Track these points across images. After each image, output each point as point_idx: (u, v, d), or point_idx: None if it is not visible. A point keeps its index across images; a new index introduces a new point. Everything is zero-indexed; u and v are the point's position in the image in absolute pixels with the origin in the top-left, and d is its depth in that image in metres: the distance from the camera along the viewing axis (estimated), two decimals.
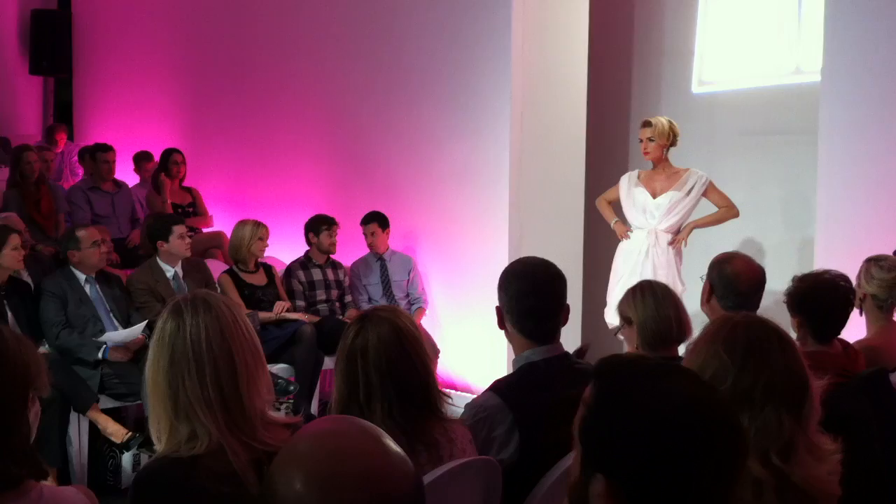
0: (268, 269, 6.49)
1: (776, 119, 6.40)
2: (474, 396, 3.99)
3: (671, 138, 5.69)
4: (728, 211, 5.72)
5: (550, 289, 2.85)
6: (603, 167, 6.90)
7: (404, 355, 2.46)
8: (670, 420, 1.34)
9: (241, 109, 8.34)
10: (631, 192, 5.80)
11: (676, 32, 6.91)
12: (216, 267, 6.71)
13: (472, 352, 6.46)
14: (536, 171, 6.40)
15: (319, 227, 6.64)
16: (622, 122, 7.11)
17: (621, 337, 3.55)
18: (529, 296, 2.81)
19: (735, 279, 3.43)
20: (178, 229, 5.96)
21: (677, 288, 5.39)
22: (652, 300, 3.32)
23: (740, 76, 6.64)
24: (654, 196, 5.73)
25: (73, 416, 5.19)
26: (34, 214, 6.92)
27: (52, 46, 10.24)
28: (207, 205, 8.13)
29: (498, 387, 2.80)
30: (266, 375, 2.22)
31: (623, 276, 5.69)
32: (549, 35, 6.46)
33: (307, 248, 6.72)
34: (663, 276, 5.45)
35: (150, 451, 5.03)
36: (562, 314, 2.86)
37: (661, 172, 5.75)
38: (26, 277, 5.82)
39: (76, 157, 9.21)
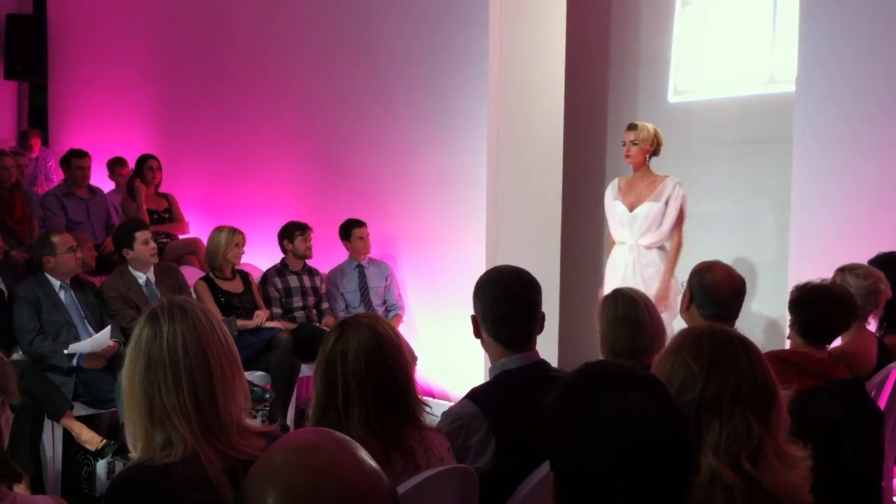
0: (244, 276, 6.46)
1: (751, 128, 6.45)
2: (451, 404, 4.00)
3: (654, 145, 5.66)
4: (677, 243, 5.61)
5: (524, 295, 2.87)
6: (580, 174, 6.94)
7: (384, 362, 2.46)
8: (604, 429, 1.38)
9: (216, 115, 8.31)
10: (612, 205, 5.76)
11: (652, 41, 6.96)
12: (192, 274, 6.68)
13: (448, 359, 6.46)
14: (513, 177, 6.42)
15: (293, 232, 6.63)
16: (599, 130, 7.15)
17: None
18: (503, 303, 2.83)
19: (714, 288, 3.46)
20: (142, 235, 5.90)
21: (674, 299, 5.38)
22: (627, 308, 3.33)
23: (715, 85, 6.69)
24: (632, 208, 5.66)
25: (47, 423, 5.15)
26: (7, 220, 6.86)
27: (26, 51, 10.17)
28: (184, 211, 8.10)
29: (474, 394, 2.80)
30: (243, 383, 2.22)
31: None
32: (525, 42, 6.48)
33: (282, 255, 6.70)
34: (654, 290, 5.42)
35: (125, 458, 5.00)
36: (536, 321, 2.88)
37: (640, 180, 5.69)
38: None
39: (52, 163, 9.15)
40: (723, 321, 3.24)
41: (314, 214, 6.95)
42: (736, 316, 3.47)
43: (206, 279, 6.31)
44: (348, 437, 1.29)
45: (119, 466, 5.15)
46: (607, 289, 5.70)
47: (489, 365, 2.98)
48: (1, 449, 1.91)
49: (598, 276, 6.86)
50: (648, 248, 5.62)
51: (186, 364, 2.11)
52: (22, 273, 6.04)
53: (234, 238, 6.33)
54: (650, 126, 5.67)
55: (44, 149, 9.62)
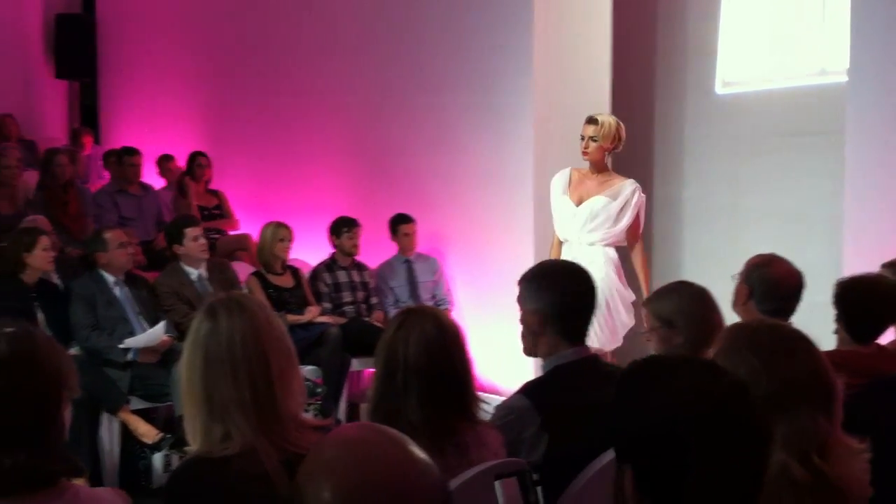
0: (294, 271, 6.53)
1: (801, 120, 6.37)
2: (499, 398, 4.01)
3: (615, 142, 5.27)
4: (642, 255, 5.38)
5: (591, 287, 2.89)
6: (626, 168, 6.89)
7: (445, 352, 2.49)
8: (680, 406, 1.39)
9: (264, 112, 8.39)
10: (559, 198, 5.40)
11: (699, 33, 6.89)
12: (243, 269, 6.76)
13: (497, 353, 6.46)
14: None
15: (340, 229, 6.69)
16: (646, 124, 7.10)
17: (647, 338, 3.51)
18: (575, 295, 2.84)
19: (777, 282, 3.39)
20: (191, 232, 5.97)
21: (622, 301, 5.25)
22: (696, 304, 3.26)
23: (764, 77, 6.61)
24: (579, 203, 5.30)
25: (104, 417, 5.25)
26: (61, 217, 6.98)
27: (76, 50, 10.32)
28: (234, 207, 8.19)
29: (527, 388, 2.81)
30: (299, 378, 2.24)
31: None
32: (570, 36, 6.46)
33: (332, 250, 6.76)
34: (602, 291, 5.08)
35: (181, 451, 5.08)
36: (594, 312, 2.89)
37: (593, 177, 5.34)
38: (56, 279, 5.88)
39: (102, 161, 9.30)
40: (781, 317, 3.21)
41: (362, 210, 6.99)
42: (793, 312, 3.42)
43: (257, 274, 6.39)
44: (397, 432, 1.30)
45: (175, 459, 5.23)
46: None
47: (537, 360, 2.99)
48: (62, 443, 1.96)
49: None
50: (592, 245, 5.27)
51: (245, 358, 2.13)
52: (76, 269, 6.15)
53: (279, 233, 6.40)
54: (611, 119, 5.31)
55: (96, 147, 9.77)
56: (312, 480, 1.23)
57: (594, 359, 2.90)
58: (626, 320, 5.34)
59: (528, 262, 5.91)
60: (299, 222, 6.94)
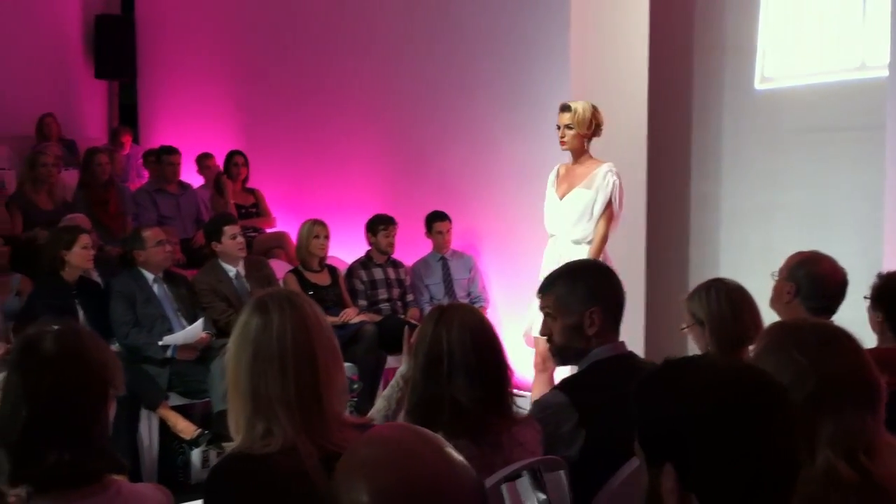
0: (332, 270, 6.56)
1: (841, 115, 6.30)
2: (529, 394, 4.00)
3: (593, 127, 5.09)
4: (600, 245, 5.08)
5: (618, 283, 2.89)
6: (664, 165, 6.86)
7: (488, 342, 2.50)
8: (726, 390, 1.41)
9: (300, 111, 8.43)
10: (548, 193, 5.29)
11: (738, 28, 6.83)
12: (279, 267, 6.80)
13: (532, 351, 6.45)
14: None
15: (377, 226, 6.71)
16: (684, 120, 7.05)
17: (687, 331, 3.50)
18: (618, 292, 2.85)
19: (824, 281, 3.36)
20: (230, 230, 6.03)
21: None
22: (727, 301, 3.26)
23: (804, 72, 6.54)
24: (563, 196, 5.18)
25: (143, 413, 5.31)
26: (101, 215, 7.07)
27: (115, 50, 10.43)
28: (271, 205, 8.25)
29: (564, 385, 2.82)
30: (343, 377, 2.24)
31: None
32: (608, 31, 6.43)
33: (368, 247, 6.79)
34: None
35: (219, 447, 5.14)
36: (624, 309, 2.90)
37: (577, 167, 5.19)
38: (96, 277, 5.96)
39: (141, 160, 9.40)
40: (825, 315, 3.18)
41: (398, 207, 7.01)
42: (836, 310, 3.38)
43: (295, 271, 6.44)
44: (432, 433, 1.30)
45: (213, 455, 5.29)
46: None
47: None
48: (106, 440, 1.99)
49: (683, 268, 6.81)
50: (577, 243, 5.10)
51: (294, 357, 2.13)
52: (116, 268, 6.22)
53: (315, 230, 6.43)
54: (586, 105, 5.09)
55: (135, 146, 9.87)
56: (348, 480, 1.24)
57: (630, 355, 2.89)
58: None
59: None
60: (335, 220, 6.98)
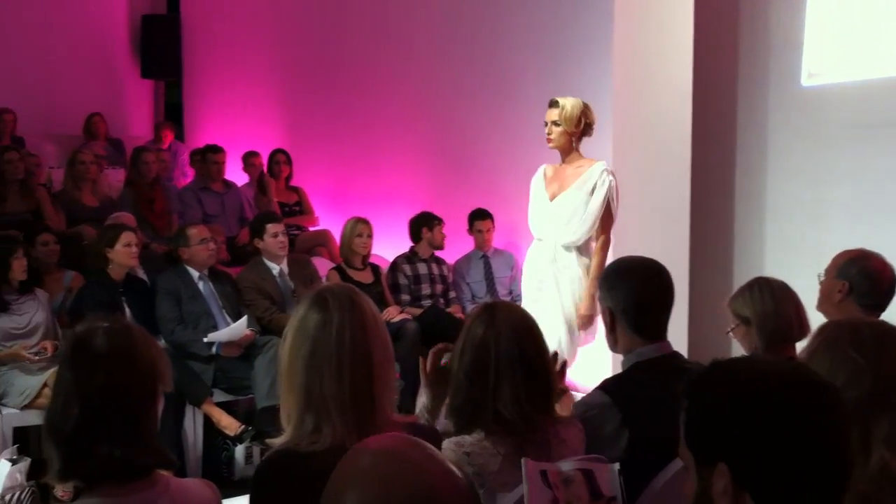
0: (374, 268, 6.59)
1: (889, 112, 6.20)
2: (578, 393, 3.99)
3: (581, 125, 4.81)
4: (603, 253, 4.87)
5: (663, 282, 2.86)
6: (709, 163, 6.80)
7: (535, 349, 2.48)
8: (779, 389, 1.41)
9: (343, 109, 8.47)
10: (534, 194, 5.04)
11: (784, 23, 6.75)
12: (322, 265, 6.84)
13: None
14: (640, 167, 6.33)
15: (432, 221, 6.75)
16: (729, 117, 6.98)
17: (732, 335, 3.48)
18: (644, 290, 2.82)
19: (878, 278, 3.33)
20: (272, 228, 6.07)
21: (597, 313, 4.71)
22: (770, 298, 3.25)
23: (852, 68, 6.45)
24: (553, 198, 4.91)
25: (188, 409, 5.37)
26: (147, 214, 7.15)
27: (161, 50, 10.55)
28: (313, 203, 8.30)
29: (606, 385, 2.80)
30: (394, 377, 2.24)
31: (527, 297, 4.99)
32: (651, 28, 6.38)
33: (411, 244, 6.81)
34: (569, 298, 4.84)
35: (263, 444, 5.18)
36: (671, 309, 2.86)
37: (567, 167, 4.92)
38: (142, 275, 6.03)
39: (186, 157, 9.49)
40: (876, 313, 3.15)
41: (439, 205, 7.02)
42: (886, 308, 3.34)
43: (337, 269, 6.48)
44: (425, 443, 1.29)
45: (256, 452, 5.33)
46: (522, 290, 5.00)
47: (615, 356, 2.97)
48: (156, 436, 2.01)
49: (727, 267, 6.74)
50: (567, 247, 4.88)
51: (351, 356, 2.12)
52: (162, 265, 6.30)
53: (357, 228, 6.46)
54: (575, 103, 4.83)
55: (176, 142, 9.97)
56: (338, 492, 1.23)
57: (675, 355, 2.87)
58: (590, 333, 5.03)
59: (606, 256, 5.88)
60: (378, 218, 7.00)
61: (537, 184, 5.03)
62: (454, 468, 1.26)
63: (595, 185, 4.80)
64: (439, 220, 6.78)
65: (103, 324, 1.97)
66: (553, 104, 4.84)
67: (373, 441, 1.31)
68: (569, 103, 4.80)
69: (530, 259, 5.06)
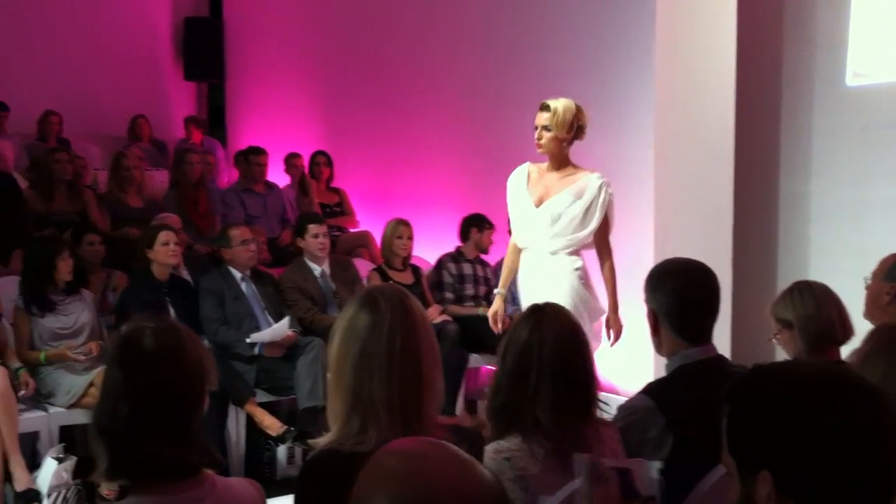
0: (415, 269, 6.61)
1: None
2: (619, 397, 3.97)
3: (573, 130, 4.59)
4: (610, 264, 4.69)
5: (709, 284, 2.83)
6: (753, 163, 6.74)
7: (578, 352, 2.47)
8: (823, 394, 1.38)
9: (384, 111, 8.49)
10: (516, 197, 4.73)
11: (828, 22, 6.68)
12: (363, 266, 6.87)
13: (616, 352, 6.40)
14: (682, 168, 6.29)
15: (483, 224, 6.75)
16: (772, 117, 6.91)
17: (775, 342, 3.45)
18: (689, 292, 2.78)
19: None
20: (314, 229, 6.11)
21: (591, 316, 4.63)
22: (812, 301, 3.22)
23: None
24: (539, 202, 4.64)
25: (231, 409, 5.41)
26: (191, 215, 7.21)
27: (204, 53, 10.64)
28: (355, 204, 8.33)
29: (650, 389, 2.78)
30: (441, 379, 2.24)
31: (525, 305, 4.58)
32: (694, 28, 6.33)
33: (458, 244, 6.79)
34: (566, 305, 4.55)
35: (304, 444, 5.21)
36: (717, 312, 2.84)
37: (553, 171, 4.67)
38: (186, 275, 6.09)
39: (220, 154, 9.58)
40: None
41: (480, 207, 7.01)
42: None
43: (378, 270, 6.50)
44: (452, 446, 1.29)
45: (298, 452, 5.36)
46: (523, 304, 4.62)
47: (658, 358, 2.95)
48: (202, 435, 2.02)
49: (771, 270, 6.68)
50: (554, 253, 4.60)
51: (402, 359, 2.11)
52: (205, 266, 6.35)
53: (398, 230, 6.48)
54: (568, 105, 4.59)
55: (208, 139, 10.05)
56: (368, 492, 1.22)
57: (720, 359, 2.84)
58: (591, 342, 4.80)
59: (647, 259, 5.85)
60: (418, 219, 7.01)
61: (519, 185, 4.73)
62: (484, 470, 1.26)
63: (595, 199, 4.57)
64: (490, 225, 6.78)
65: (150, 323, 1.99)
66: (544, 108, 4.63)
67: (399, 444, 1.31)
68: (561, 106, 4.59)
69: (524, 271, 4.75)
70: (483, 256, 6.89)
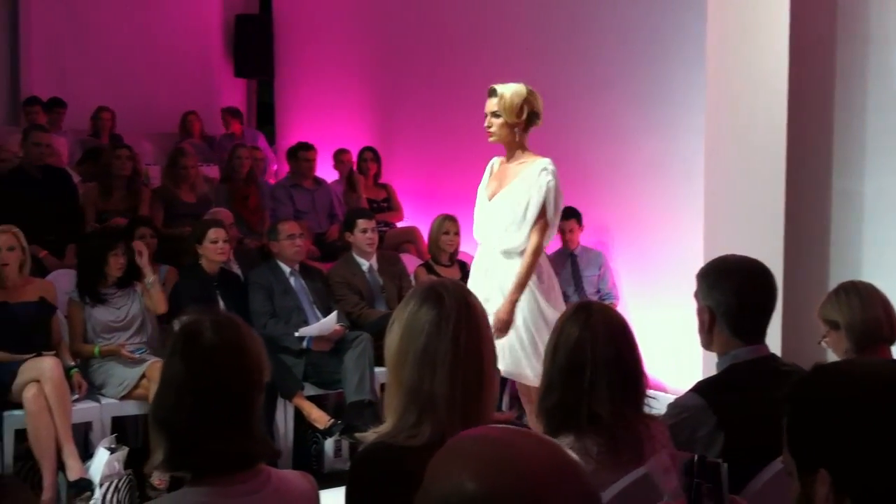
0: (462, 265, 6.61)
1: None
2: (666, 395, 3.94)
3: (524, 115, 4.31)
4: (532, 259, 4.25)
5: (769, 284, 2.80)
6: (805, 161, 6.65)
7: (629, 348, 2.46)
8: (884, 393, 1.38)
9: (431, 106, 8.50)
10: (480, 191, 4.51)
11: (883, 17, 6.57)
12: (410, 261, 6.89)
13: (663, 350, 6.37)
14: (733, 164, 6.23)
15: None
16: (825, 114, 6.82)
17: (825, 345, 3.43)
18: (750, 292, 2.75)
19: None
20: (362, 223, 6.15)
21: (548, 325, 4.10)
22: (857, 300, 3.21)
23: None
24: (491, 197, 4.40)
25: (280, 402, 5.46)
26: (242, 210, 7.28)
27: (254, 50, 10.74)
28: (402, 200, 8.36)
29: (700, 387, 2.76)
30: (498, 375, 2.22)
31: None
32: (746, 23, 6.27)
33: None
34: (524, 316, 4.25)
35: (352, 437, 5.24)
36: (773, 312, 2.81)
37: (511, 163, 4.41)
38: (237, 269, 6.16)
39: (262, 144, 9.66)
40: None
41: None
42: None
43: (425, 265, 6.52)
44: (537, 432, 1.27)
45: (345, 445, 5.40)
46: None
47: (707, 356, 2.93)
48: (259, 428, 2.04)
49: (823, 269, 6.59)
50: (507, 253, 4.33)
51: (466, 357, 2.09)
52: (255, 260, 6.42)
53: (444, 226, 6.49)
54: (517, 90, 4.32)
55: (249, 129, 10.13)
56: (449, 466, 1.19)
57: (772, 358, 2.82)
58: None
59: (696, 257, 5.81)
60: (466, 215, 7.01)
61: (483, 180, 4.51)
62: (568, 450, 1.24)
63: (530, 185, 4.28)
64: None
65: (209, 316, 2.00)
66: (491, 93, 4.35)
67: (475, 430, 1.28)
68: (508, 91, 4.31)
69: (474, 267, 4.54)
70: None
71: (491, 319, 4.02)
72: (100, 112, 8.94)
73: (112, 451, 4.93)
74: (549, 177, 4.30)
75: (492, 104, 4.36)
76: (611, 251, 6.93)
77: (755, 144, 6.32)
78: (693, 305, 2.88)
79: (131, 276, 5.57)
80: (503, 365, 4.13)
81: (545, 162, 4.35)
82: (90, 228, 6.51)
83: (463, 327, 2.10)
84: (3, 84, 9.58)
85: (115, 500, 4.82)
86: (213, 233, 5.72)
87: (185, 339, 1.98)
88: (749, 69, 6.27)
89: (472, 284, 4.39)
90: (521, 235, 4.30)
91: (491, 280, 4.37)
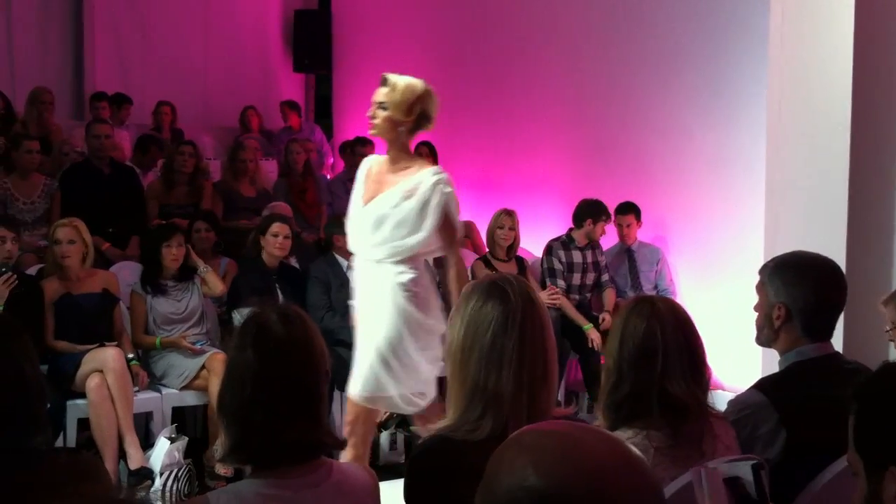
0: (519, 260, 6.60)
1: None
2: (724, 392, 3.90)
3: (414, 115, 3.83)
4: (456, 272, 3.91)
5: (843, 284, 2.78)
6: (868, 157, 6.53)
7: (696, 336, 2.44)
8: None
9: (489, 101, 8.50)
10: (354, 193, 4.03)
11: None
12: (466, 256, 6.88)
13: (721, 346, 6.29)
14: (795, 159, 6.14)
15: (600, 214, 6.60)
16: (890, 109, 6.69)
17: (889, 337, 3.37)
18: (831, 291, 2.73)
19: None
20: None
21: (418, 340, 3.86)
22: None
23: None
24: (367, 202, 3.91)
25: (336, 394, 5.50)
26: (299, 204, 7.35)
27: (313, 44, 10.80)
28: (459, 194, 8.33)
29: (763, 384, 2.73)
30: (557, 370, 2.21)
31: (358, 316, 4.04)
32: (810, 16, 6.17)
33: (570, 227, 6.67)
34: (387, 326, 3.87)
35: (407, 430, 5.27)
36: (842, 310, 2.78)
37: (391, 165, 3.91)
38: (295, 263, 6.22)
39: (320, 137, 9.71)
40: None
41: (587, 195, 6.96)
42: None
43: (483, 259, 6.53)
44: (608, 432, 1.27)
45: (401, 438, 5.43)
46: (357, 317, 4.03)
47: (767, 354, 2.90)
48: (326, 419, 2.06)
49: (887, 265, 6.47)
50: (380, 262, 3.88)
51: (532, 356, 2.08)
52: (313, 254, 6.47)
53: (499, 220, 6.50)
54: (412, 84, 3.85)
55: (308, 123, 10.19)
56: (513, 459, 1.20)
57: (835, 356, 2.78)
58: (425, 369, 3.93)
59: (756, 252, 5.75)
60: (524, 210, 7.00)
61: (358, 180, 4.02)
62: (629, 444, 1.25)
63: (429, 199, 3.81)
64: (607, 217, 6.61)
65: (274, 308, 2.02)
66: (383, 82, 3.85)
67: (538, 425, 1.29)
68: (402, 83, 3.83)
69: (356, 281, 4.11)
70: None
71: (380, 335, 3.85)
72: (160, 107, 9.07)
73: (172, 440, 5.01)
74: (447, 187, 3.87)
75: (381, 94, 3.84)
76: (669, 247, 6.87)
77: (818, 139, 6.22)
78: (752, 300, 2.84)
79: (190, 269, 5.65)
80: (360, 389, 3.91)
81: (436, 170, 3.94)
82: (154, 223, 6.61)
83: (529, 324, 2.08)
84: (67, 79, 9.74)
85: (174, 488, 4.90)
86: (275, 227, 5.79)
87: (256, 332, 1.99)
88: (812, 63, 6.18)
89: (356, 296, 4.12)
90: (398, 246, 3.85)
91: (366, 291, 4.02)
